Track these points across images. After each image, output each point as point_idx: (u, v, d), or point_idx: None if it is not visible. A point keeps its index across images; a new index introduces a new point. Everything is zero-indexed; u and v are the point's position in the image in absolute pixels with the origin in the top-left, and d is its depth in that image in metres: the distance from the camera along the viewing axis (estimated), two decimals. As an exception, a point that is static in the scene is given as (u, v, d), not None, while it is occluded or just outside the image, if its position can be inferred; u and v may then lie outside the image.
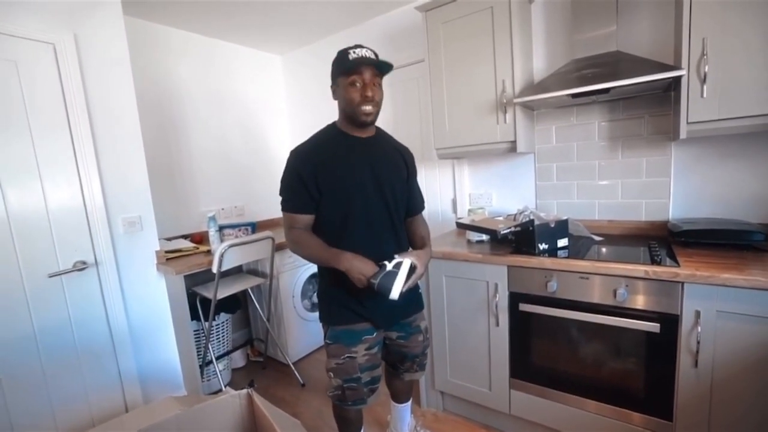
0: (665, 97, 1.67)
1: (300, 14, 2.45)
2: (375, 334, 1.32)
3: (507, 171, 2.17)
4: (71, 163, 1.63)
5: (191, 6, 2.22)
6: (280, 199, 1.27)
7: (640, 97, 1.72)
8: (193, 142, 2.62)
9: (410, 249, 1.39)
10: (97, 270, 1.69)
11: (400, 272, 1.14)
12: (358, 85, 1.15)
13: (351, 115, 1.20)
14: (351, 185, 1.21)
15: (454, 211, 2.39)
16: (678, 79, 1.40)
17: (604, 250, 1.60)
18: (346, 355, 1.28)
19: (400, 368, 1.49)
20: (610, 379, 1.44)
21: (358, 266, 1.15)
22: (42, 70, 1.55)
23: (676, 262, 1.30)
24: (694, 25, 1.32)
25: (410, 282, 1.17)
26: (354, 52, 1.15)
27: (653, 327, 1.29)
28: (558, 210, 2.00)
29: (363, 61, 1.14)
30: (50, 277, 1.55)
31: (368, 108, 1.17)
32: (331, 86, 1.25)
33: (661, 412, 1.34)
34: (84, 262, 1.64)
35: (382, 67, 1.18)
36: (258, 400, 1.20)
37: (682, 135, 1.39)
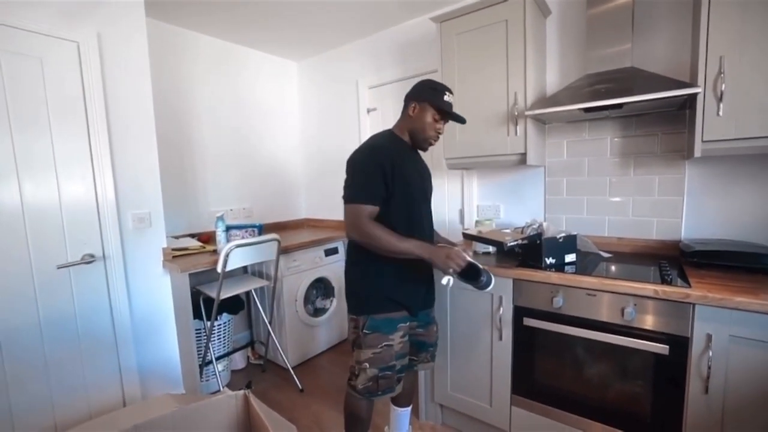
0: (680, 115, 1.65)
1: (317, 22, 2.50)
2: (408, 323, 1.42)
3: (516, 184, 2.15)
4: (86, 159, 1.66)
5: (211, 10, 2.28)
6: (343, 193, 1.32)
7: (653, 114, 1.71)
8: (207, 142, 2.67)
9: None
10: (105, 264, 1.71)
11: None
12: (440, 123, 1.39)
13: (419, 137, 1.40)
14: (415, 187, 1.38)
15: (462, 221, 2.37)
16: (693, 96, 1.39)
17: (612, 267, 1.57)
18: (384, 344, 1.35)
19: (416, 360, 1.54)
20: (616, 400, 1.40)
21: (455, 252, 1.26)
22: (65, 68, 1.60)
23: (688, 282, 1.26)
24: (711, 43, 1.30)
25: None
26: (448, 96, 1.37)
27: (662, 349, 1.25)
28: (567, 225, 1.98)
29: (455, 113, 1.39)
30: (59, 268, 1.57)
31: (432, 143, 1.43)
32: (413, 104, 1.38)
33: (668, 439, 1.29)
34: (92, 255, 1.66)
35: (458, 119, 1.43)
36: (254, 401, 1.19)
37: (697, 153, 1.36)
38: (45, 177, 1.55)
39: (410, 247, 1.25)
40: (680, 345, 1.23)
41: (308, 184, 3.33)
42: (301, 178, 3.36)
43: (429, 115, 1.36)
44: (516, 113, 1.75)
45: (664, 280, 1.31)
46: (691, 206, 1.67)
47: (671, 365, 1.25)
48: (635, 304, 1.31)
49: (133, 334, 1.83)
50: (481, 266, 1.28)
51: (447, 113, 1.37)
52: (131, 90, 1.82)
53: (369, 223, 1.27)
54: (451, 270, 1.24)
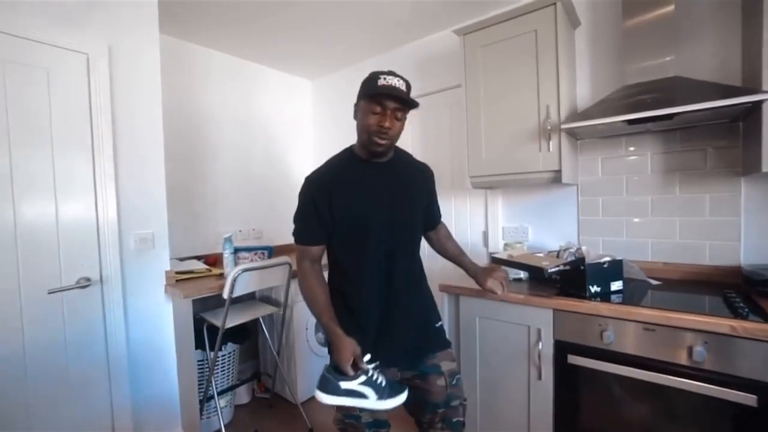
0: (732, 127, 1.51)
1: (333, 39, 2.44)
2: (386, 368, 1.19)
3: (545, 204, 2.00)
4: (89, 176, 1.56)
5: (225, 27, 2.24)
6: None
7: (700, 127, 1.56)
8: (216, 161, 2.58)
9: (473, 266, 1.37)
10: (102, 288, 1.57)
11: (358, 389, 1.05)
12: (378, 112, 1.08)
13: (364, 141, 1.14)
14: (367, 212, 1.15)
15: (485, 244, 2.21)
16: (754, 106, 1.25)
17: (666, 297, 1.39)
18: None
19: (423, 422, 1.25)
20: (685, 457, 1.18)
21: (345, 355, 1.06)
22: (73, 80, 1.52)
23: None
24: (776, 45, 1.17)
25: None
26: (384, 79, 1.08)
27: (747, 399, 1.05)
28: (604, 248, 1.80)
29: (389, 92, 1.06)
30: (50, 293, 1.44)
31: (381, 140, 1.10)
32: (355, 105, 1.18)
33: (754, 508, 1.07)
34: (88, 279, 1.53)
35: (408, 103, 1.10)
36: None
37: (765, 168, 1.20)
38: (43, 195, 1.45)
39: (326, 324, 1.12)
40: (769, 394, 1.03)
41: (320, 204, 3.20)
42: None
43: (366, 111, 1.09)
44: (549, 127, 1.62)
45: (739, 314, 1.12)
46: (750, 228, 1.49)
47: (759, 419, 1.05)
48: (706, 342, 1.12)
49: (128, 365, 1.67)
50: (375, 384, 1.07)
51: (381, 96, 1.07)
52: (141, 106, 1.74)
53: (303, 272, 1.18)
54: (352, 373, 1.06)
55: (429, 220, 1.37)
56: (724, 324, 1.07)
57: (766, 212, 1.46)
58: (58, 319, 1.47)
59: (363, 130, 1.12)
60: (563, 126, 1.54)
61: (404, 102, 1.09)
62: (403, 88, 1.09)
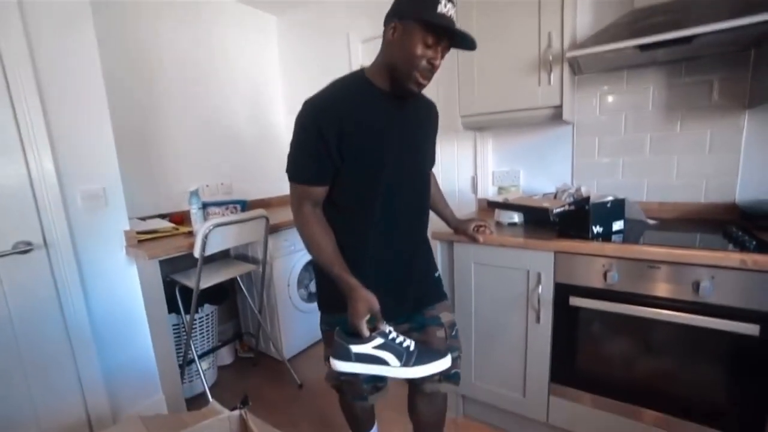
0: (742, 57, 1.41)
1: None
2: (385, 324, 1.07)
3: (538, 146, 1.89)
4: (10, 128, 1.27)
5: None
6: (286, 165, 1.00)
7: (709, 57, 1.46)
8: (173, 109, 2.25)
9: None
10: (47, 253, 1.35)
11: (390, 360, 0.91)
12: (431, 44, 0.88)
13: (402, 72, 0.92)
14: (381, 153, 0.97)
15: (474, 190, 2.11)
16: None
17: (665, 236, 1.35)
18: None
19: None
20: (683, 389, 1.20)
21: (360, 309, 0.91)
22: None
23: (776, 249, 1.05)
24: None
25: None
26: (445, 6, 0.87)
27: (751, 329, 1.04)
28: (599, 190, 1.74)
29: (451, 23, 0.88)
30: (-21, 261, 1.21)
31: (424, 79, 0.93)
32: (393, 23, 0.91)
33: None
34: (29, 243, 1.30)
35: (464, 43, 0.92)
36: (253, 424, 0.91)
37: (782, 95, 1.13)
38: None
39: (337, 276, 0.95)
40: (773, 323, 1.03)
41: (293, 155, 2.96)
42: (286, 150, 2.98)
43: (416, 38, 0.87)
44: (550, 58, 1.47)
45: (745, 248, 1.09)
46: (749, 163, 1.46)
47: (761, 348, 1.06)
48: (713, 277, 1.09)
49: (93, 336, 1.50)
50: (403, 346, 0.93)
51: (444, 30, 0.87)
52: (70, 42, 1.42)
53: (303, 217, 0.99)
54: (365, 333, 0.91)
55: None
56: (734, 258, 1.04)
57: (766, 146, 1.43)
58: (-5, 289, 1.26)
59: (406, 59, 0.89)
60: (568, 54, 1.39)
61: (456, 40, 0.91)
62: (456, 25, 0.90)
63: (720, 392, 1.15)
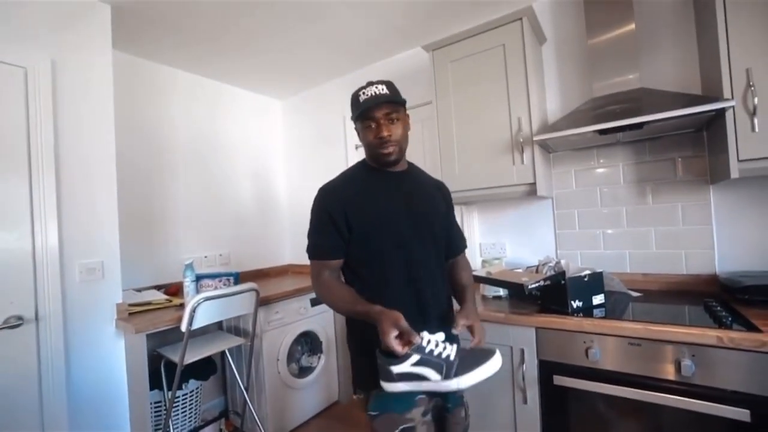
0: (697, 137, 1.53)
1: (302, 58, 2.40)
2: (431, 396, 1.04)
3: (522, 218, 1.96)
4: (24, 201, 1.40)
5: (188, 44, 2.15)
6: (306, 244, 1.12)
7: (667, 138, 1.58)
8: (178, 184, 2.42)
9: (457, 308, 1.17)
10: (36, 327, 1.39)
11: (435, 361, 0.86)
12: (372, 126, 1.07)
13: (373, 157, 1.12)
14: (384, 221, 1.08)
15: (463, 261, 2.14)
16: (717, 115, 1.26)
17: (648, 309, 1.35)
18: (402, 427, 0.99)
19: None
20: (682, 481, 1.11)
21: (385, 327, 0.88)
22: (6, 97, 1.38)
23: (753, 325, 1.04)
24: (734, 55, 1.20)
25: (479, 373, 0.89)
26: (364, 93, 1.07)
27: (741, 414, 0.99)
28: (582, 261, 1.77)
29: (373, 102, 1.04)
30: (-31, 335, 1.25)
31: (385, 150, 1.07)
32: (355, 128, 1.15)
33: None
34: (20, 318, 1.34)
35: (395, 102, 1.07)
36: None
37: (734, 174, 1.21)
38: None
39: (362, 311, 0.97)
40: (765, 407, 0.98)
41: (293, 227, 3.07)
42: (285, 221, 3.11)
43: (362, 130, 1.09)
44: (521, 140, 1.60)
45: (723, 324, 1.08)
46: (723, 235, 1.49)
47: (754, 434, 1.00)
48: (693, 356, 1.07)
49: (68, 412, 1.46)
50: (442, 359, 0.87)
51: (367, 110, 1.05)
52: (90, 123, 1.61)
53: (322, 282, 1.08)
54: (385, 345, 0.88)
55: (451, 243, 1.23)
56: (710, 335, 1.03)
57: (735, 219, 1.47)
58: (-22, 364, 1.28)
59: (367, 146, 1.11)
60: (536, 138, 1.52)
61: (391, 103, 1.05)
62: (385, 90, 1.06)
63: (724, 487, 1.05)
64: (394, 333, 0.87)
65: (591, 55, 1.59)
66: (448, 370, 0.85)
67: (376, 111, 1.05)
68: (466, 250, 1.31)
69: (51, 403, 1.41)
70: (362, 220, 1.06)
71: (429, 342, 0.87)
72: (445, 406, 1.11)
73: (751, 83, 1.17)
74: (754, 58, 1.18)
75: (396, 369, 0.85)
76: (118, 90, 1.78)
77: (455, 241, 1.25)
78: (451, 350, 0.88)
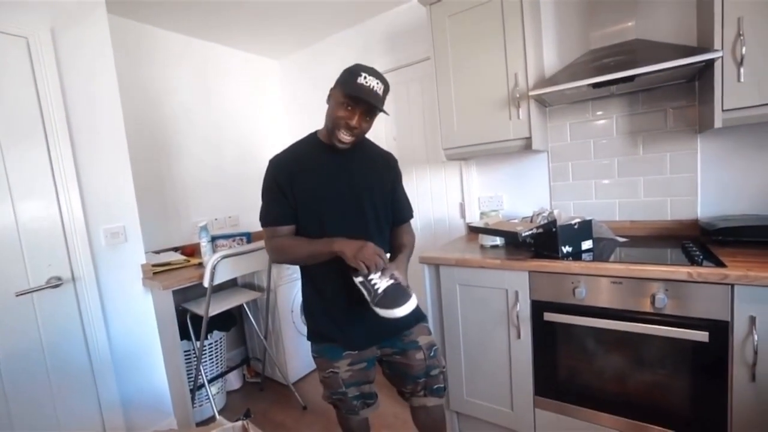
0: (689, 87, 1.57)
1: (296, 16, 2.35)
2: (358, 351, 1.25)
3: (518, 172, 2.05)
4: (46, 172, 1.48)
5: (183, 6, 2.10)
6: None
7: (661, 89, 1.62)
8: (184, 149, 2.48)
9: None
10: (75, 286, 1.53)
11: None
12: (348, 109, 1.10)
13: (329, 131, 1.15)
14: (325, 195, 1.17)
15: (463, 215, 2.25)
16: (706, 66, 1.30)
17: (632, 252, 1.47)
18: (329, 370, 1.25)
19: (405, 392, 1.33)
20: (650, 395, 1.29)
21: (372, 250, 1.06)
22: (12, 69, 1.41)
23: (720, 262, 1.17)
24: (727, 4, 1.22)
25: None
26: (365, 78, 1.07)
27: (701, 336, 1.15)
28: (575, 211, 1.88)
29: (365, 96, 1.06)
30: (18, 295, 1.38)
31: (345, 136, 1.12)
32: (331, 90, 1.16)
33: (711, 433, 1.19)
34: (59, 278, 1.48)
35: (378, 108, 1.11)
36: (255, 432, 1.03)
37: (717, 124, 1.27)
38: (-4, 195, 1.36)
39: (319, 247, 1.11)
40: (721, 330, 1.13)
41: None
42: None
43: (337, 102, 1.10)
44: (518, 95, 1.64)
45: (695, 262, 1.21)
46: (707, 182, 1.59)
47: (712, 353, 1.15)
48: (666, 290, 1.20)
49: (113, 362, 1.64)
50: (406, 287, 1.10)
51: (358, 94, 1.06)
52: (95, 92, 1.64)
53: (274, 244, 1.18)
54: (362, 270, 1.05)
55: (395, 211, 1.32)
56: (681, 271, 1.16)
57: (720, 167, 1.56)
58: (31, 320, 1.43)
59: (331, 119, 1.13)
60: (531, 93, 1.56)
61: (377, 107, 1.09)
62: (380, 92, 1.09)
63: (685, 397, 1.23)
64: (356, 251, 1.05)
65: (589, 3, 1.58)
66: (373, 297, 1.06)
67: (363, 104, 1.08)
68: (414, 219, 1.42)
69: (97, 353, 1.58)
70: (305, 195, 1.15)
71: (372, 273, 1.08)
72: (393, 352, 1.27)
73: (741, 33, 1.20)
74: (748, 5, 1.20)
75: (355, 278, 1.10)
76: (118, 55, 1.78)
77: (400, 211, 1.35)
78: (381, 284, 1.07)
